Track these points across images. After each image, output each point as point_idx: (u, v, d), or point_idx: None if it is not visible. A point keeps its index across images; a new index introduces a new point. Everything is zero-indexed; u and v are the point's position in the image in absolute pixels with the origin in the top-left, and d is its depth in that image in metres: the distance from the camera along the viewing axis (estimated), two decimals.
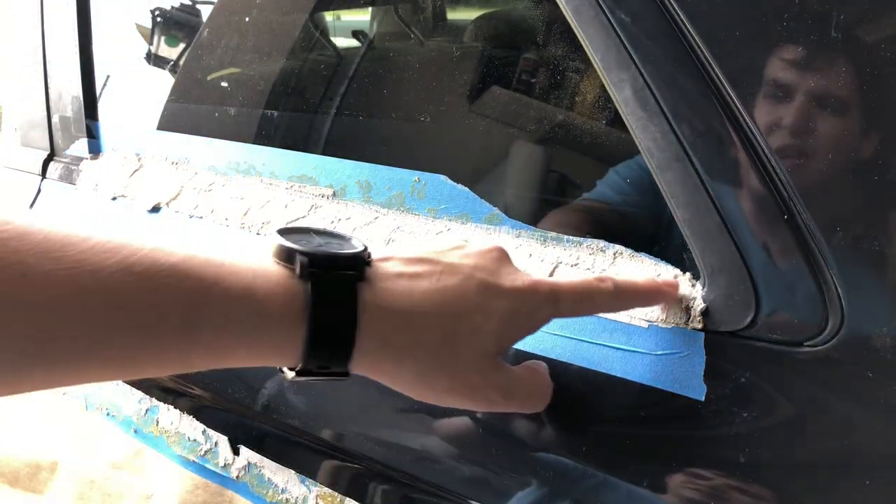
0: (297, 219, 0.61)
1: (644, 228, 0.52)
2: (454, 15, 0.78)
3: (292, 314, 0.33)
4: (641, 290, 0.41)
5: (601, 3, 0.44)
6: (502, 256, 0.40)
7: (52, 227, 0.30)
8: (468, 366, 0.37)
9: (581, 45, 0.46)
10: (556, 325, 0.46)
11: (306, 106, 0.76)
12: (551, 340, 0.46)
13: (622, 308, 0.43)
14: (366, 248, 0.37)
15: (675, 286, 0.42)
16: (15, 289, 0.27)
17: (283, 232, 0.36)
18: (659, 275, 0.44)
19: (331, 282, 0.34)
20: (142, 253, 0.31)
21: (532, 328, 0.40)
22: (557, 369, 0.45)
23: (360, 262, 0.35)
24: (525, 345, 0.46)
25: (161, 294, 0.31)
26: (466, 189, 0.54)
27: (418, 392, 0.37)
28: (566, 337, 0.45)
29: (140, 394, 0.67)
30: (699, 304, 0.42)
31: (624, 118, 0.44)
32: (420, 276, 0.37)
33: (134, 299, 0.30)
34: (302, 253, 0.34)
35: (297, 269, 0.34)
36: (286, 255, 0.34)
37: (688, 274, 0.43)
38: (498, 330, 0.37)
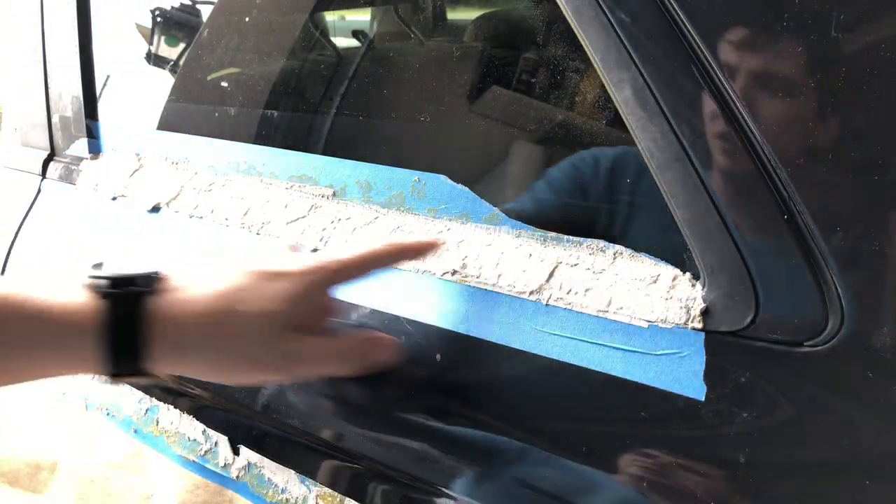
0: (297, 219, 0.61)
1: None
2: (454, 15, 0.78)
3: (92, 328, 0.40)
4: (407, 247, 0.50)
5: (601, 3, 0.44)
6: (291, 249, 0.49)
7: None
8: (251, 343, 0.43)
9: (581, 45, 0.46)
10: (555, 325, 0.46)
11: (306, 106, 0.77)
12: (551, 340, 0.46)
13: (394, 263, 0.50)
14: (156, 271, 0.44)
15: (435, 243, 0.50)
16: None
17: (96, 265, 0.44)
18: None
19: (121, 297, 0.41)
20: None
21: (319, 298, 0.47)
22: (557, 369, 0.45)
23: (148, 280, 0.43)
24: (525, 345, 0.46)
25: None
26: (466, 189, 0.54)
27: (218, 377, 0.44)
28: (566, 337, 0.45)
29: (140, 394, 0.67)
30: (699, 304, 0.42)
31: (624, 118, 0.44)
32: (205, 281, 0.44)
33: None
34: (101, 277, 0.42)
35: (96, 290, 0.41)
36: (90, 280, 0.42)
37: (688, 274, 0.43)
38: (279, 308, 0.43)
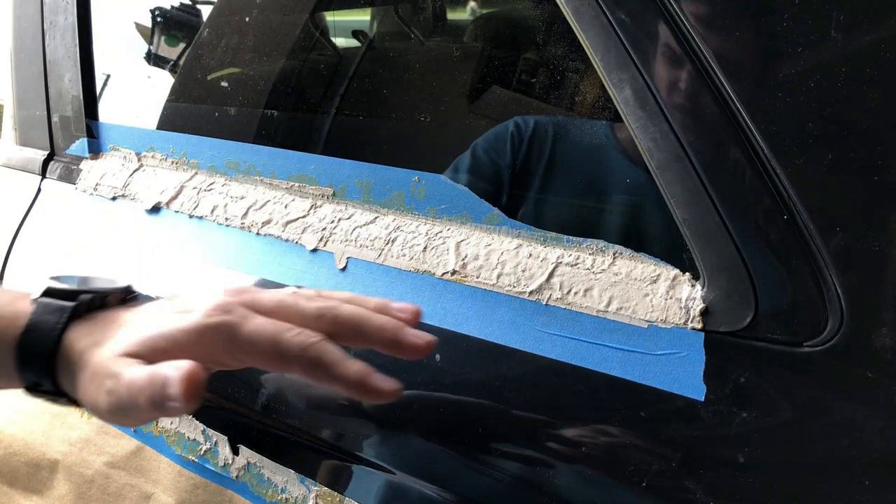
0: (297, 218, 0.61)
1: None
2: (454, 15, 0.78)
3: (13, 337, 0.38)
4: (341, 375, 0.36)
5: (601, 3, 0.44)
6: (211, 298, 0.38)
7: None
8: (93, 363, 0.37)
9: (581, 45, 0.46)
10: (555, 326, 0.46)
11: (306, 106, 0.76)
12: (550, 340, 0.46)
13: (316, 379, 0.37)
14: (123, 290, 0.41)
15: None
16: None
17: (58, 277, 0.41)
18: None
19: (45, 308, 0.38)
20: None
21: (201, 348, 0.37)
22: (557, 369, 0.45)
23: (83, 295, 0.39)
24: (524, 345, 0.46)
25: None
26: (466, 189, 0.54)
27: (87, 404, 0.38)
28: (566, 337, 0.45)
29: None
30: (699, 304, 0.42)
31: (624, 118, 0.44)
32: (139, 313, 0.39)
33: None
34: (53, 288, 0.39)
35: (33, 301, 0.39)
36: (42, 289, 0.40)
37: (687, 274, 0.43)
38: (138, 334, 0.37)
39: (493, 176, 0.53)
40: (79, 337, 0.38)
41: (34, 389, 0.38)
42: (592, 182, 0.54)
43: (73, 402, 0.39)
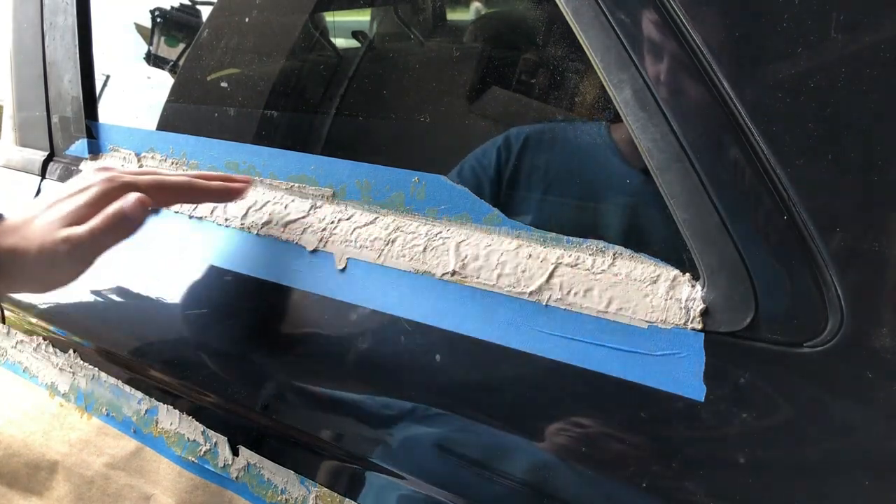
0: (297, 219, 0.61)
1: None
2: (454, 15, 0.78)
3: None
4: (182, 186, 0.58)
5: (601, 3, 0.44)
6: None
7: None
8: (37, 241, 0.49)
9: (581, 45, 0.46)
10: (555, 326, 0.46)
11: (306, 106, 0.76)
12: (550, 341, 0.46)
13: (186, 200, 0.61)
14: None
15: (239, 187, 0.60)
16: None
17: None
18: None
19: None
20: None
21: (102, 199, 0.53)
22: (557, 370, 0.45)
23: None
24: (524, 345, 0.46)
25: None
26: (466, 189, 0.54)
27: (26, 284, 0.50)
28: (566, 338, 0.45)
29: (140, 394, 0.67)
30: (699, 305, 0.42)
31: (624, 118, 0.44)
32: (25, 212, 0.52)
33: None
34: None
35: None
36: None
37: (687, 274, 0.43)
38: (58, 212, 0.51)
39: (476, 189, 0.55)
40: None
41: None
42: (591, 186, 0.55)
43: None
